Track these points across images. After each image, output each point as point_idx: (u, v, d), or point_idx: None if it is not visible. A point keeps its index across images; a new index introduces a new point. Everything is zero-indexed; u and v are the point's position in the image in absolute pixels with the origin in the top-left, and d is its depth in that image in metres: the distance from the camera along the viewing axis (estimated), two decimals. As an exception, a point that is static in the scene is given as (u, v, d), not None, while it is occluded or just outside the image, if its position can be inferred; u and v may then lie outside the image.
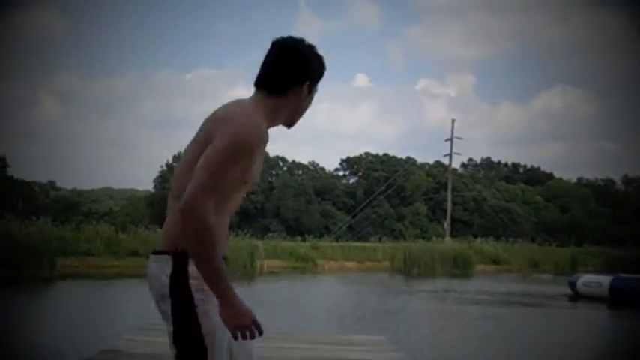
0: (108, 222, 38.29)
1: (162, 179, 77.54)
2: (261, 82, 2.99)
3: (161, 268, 2.83)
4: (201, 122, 3.00)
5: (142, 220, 49.43)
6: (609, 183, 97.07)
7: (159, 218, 56.66)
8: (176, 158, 78.21)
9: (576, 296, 25.37)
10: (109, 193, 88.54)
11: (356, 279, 31.46)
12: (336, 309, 20.30)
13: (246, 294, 18.45)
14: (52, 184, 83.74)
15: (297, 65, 2.96)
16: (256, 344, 2.90)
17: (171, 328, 2.86)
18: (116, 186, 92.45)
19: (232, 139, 2.72)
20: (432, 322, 17.73)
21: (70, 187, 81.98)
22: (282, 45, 3.01)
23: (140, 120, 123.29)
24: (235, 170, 2.74)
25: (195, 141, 2.92)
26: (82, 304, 18.37)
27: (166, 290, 2.82)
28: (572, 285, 26.04)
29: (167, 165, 78.69)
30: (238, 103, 2.99)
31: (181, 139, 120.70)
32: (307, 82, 3.00)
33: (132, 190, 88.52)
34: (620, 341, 15.63)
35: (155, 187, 79.21)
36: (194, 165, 2.74)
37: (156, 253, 2.91)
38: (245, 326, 2.69)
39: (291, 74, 2.96)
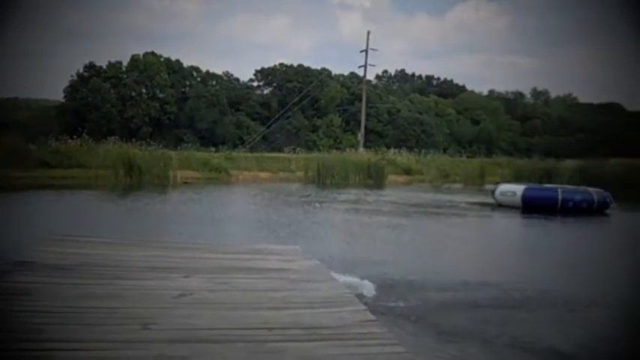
0: (17, 132, 36.98)
1: (73, 89, 75.32)
2: None
3: None
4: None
5: (52, 131, 48.18)
6: (519, 96, 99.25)
7: (69, 128, 55.38)
8: (87, 68, 76.04)
9: (497, 205, 26.27)
10: (16, 102, 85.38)
11: (269, 189, 31.55)
12: (247, 219, 20.37)
13: (159, 205, 18.21)
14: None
15: None
16: (172, 255, 2.91)
17: None
18: (23, 95, 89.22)
19: None
20: (348, 230, 17.97)
21: (-26, 97, 78.87)
22: None
23: (49, 28, 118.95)
24: None
25: None
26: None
27: None
28: (493, 194, 27.04)
29: (77, 75, 76.36)
30: None
31: (93, 49, 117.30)
32: None
33: (43, 100, 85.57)
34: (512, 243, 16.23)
35: (65, 97, 76.90)
36: None
37: None
38: None
39: None
